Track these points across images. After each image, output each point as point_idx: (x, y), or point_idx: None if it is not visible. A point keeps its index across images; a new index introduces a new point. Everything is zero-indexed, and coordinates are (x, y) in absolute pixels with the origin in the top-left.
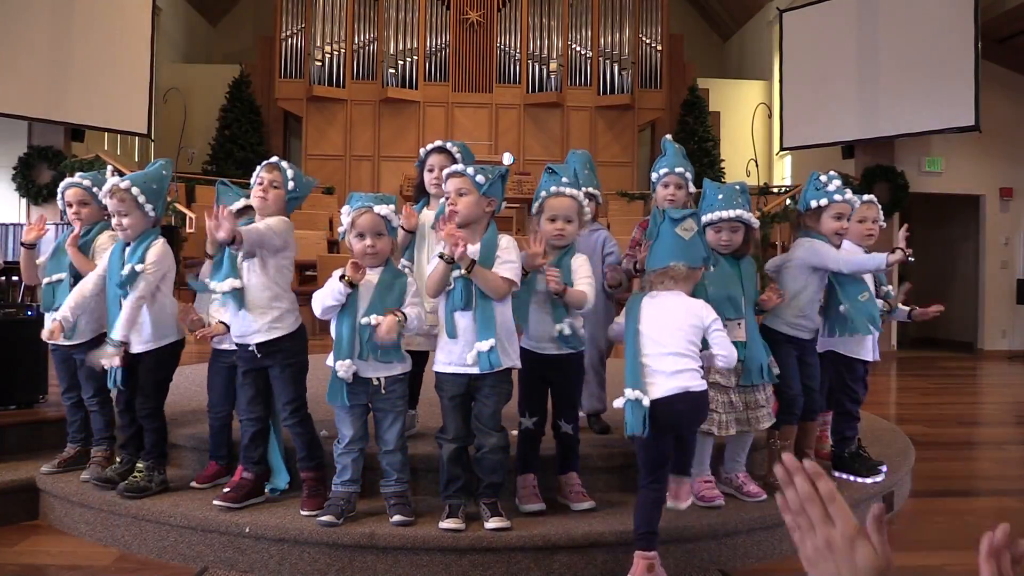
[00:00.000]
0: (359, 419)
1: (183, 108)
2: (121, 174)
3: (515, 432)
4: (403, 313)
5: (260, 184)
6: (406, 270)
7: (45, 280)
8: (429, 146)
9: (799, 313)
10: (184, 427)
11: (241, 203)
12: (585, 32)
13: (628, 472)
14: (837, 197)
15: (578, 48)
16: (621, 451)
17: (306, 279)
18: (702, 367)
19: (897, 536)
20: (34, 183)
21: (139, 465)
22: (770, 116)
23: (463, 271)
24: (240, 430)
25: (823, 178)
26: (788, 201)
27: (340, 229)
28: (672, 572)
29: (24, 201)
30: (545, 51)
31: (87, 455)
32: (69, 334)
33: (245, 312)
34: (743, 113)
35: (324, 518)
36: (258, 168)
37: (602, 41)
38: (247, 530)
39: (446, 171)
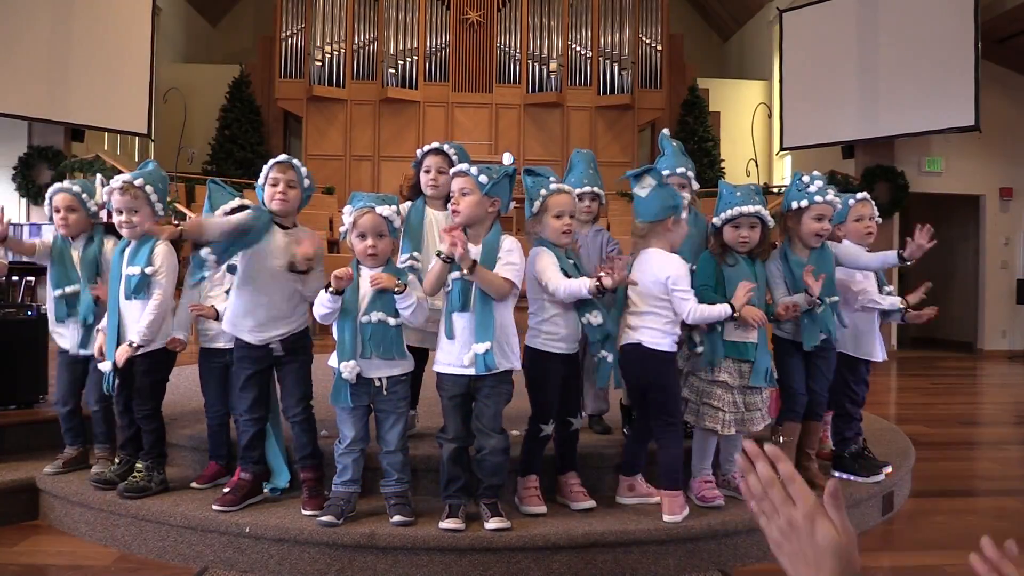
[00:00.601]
0: (361, 420)
1: (183, 108)
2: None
3: (516, 432)
4: (404, 285)
5: (276, 185)
6: (412, 263)
7: (56, 292)
8: (426, 147)
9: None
10: (183, 427)
11: (236, 202)
12: (585, 32)
13: None
14: (818, 198)
15: (578, 48)
16: (621, 451)
17: None
18: (675, 329)
19: (897, 536)
20: (34, 183)
21: (138, 465)
22: (770, 116)
23: (464, 272)
24: (238, 431)
25: (805, 179)
26: None
27: (341, 229)
28: (672, 572)
29: (24, 201)
30: (545, 51)
31: (87, 455)
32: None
33: (274, 313)
34: (743, 113)
35: (324, 518)
36: (265, 168)
37: (602, 41)
38: (247, 530)
39: (452, 170)
